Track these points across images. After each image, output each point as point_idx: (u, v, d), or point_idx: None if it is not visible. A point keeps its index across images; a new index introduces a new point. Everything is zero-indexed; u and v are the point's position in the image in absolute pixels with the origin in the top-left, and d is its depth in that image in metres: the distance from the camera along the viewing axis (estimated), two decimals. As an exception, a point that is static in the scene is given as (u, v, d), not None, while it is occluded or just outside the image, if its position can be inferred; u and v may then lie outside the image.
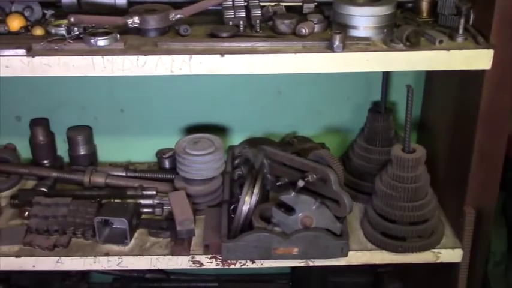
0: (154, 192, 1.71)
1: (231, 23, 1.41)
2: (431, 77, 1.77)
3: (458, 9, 1.38)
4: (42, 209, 1.60)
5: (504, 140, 1.44)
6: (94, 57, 1.29)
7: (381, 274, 2.03)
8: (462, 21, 1.34)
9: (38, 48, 1.32)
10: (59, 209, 1.60)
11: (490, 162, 1.46)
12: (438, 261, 1.54)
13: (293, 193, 1.46)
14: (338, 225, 1.47)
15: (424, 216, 1.50)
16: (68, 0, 1.44)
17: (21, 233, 1.57)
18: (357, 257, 1.52)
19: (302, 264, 1.51)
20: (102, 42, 1.32)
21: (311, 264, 1.51)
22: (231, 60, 1.31)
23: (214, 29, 1.38)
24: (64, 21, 1.37)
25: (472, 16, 1.38)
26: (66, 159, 1.89)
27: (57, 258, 1.52)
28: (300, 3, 1.49)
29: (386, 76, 1.70)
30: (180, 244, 1.52)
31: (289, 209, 1.48)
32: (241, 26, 1.40)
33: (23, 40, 1.35)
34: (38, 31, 1.39)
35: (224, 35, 1.37)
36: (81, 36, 1.34)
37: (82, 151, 1.84)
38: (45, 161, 1.85)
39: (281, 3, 1.47)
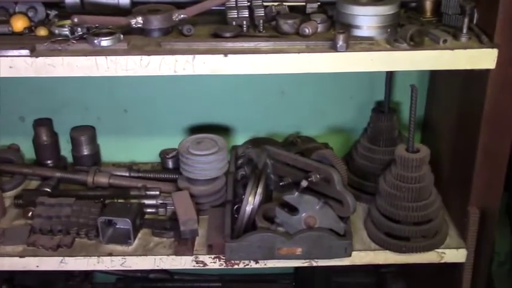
0: (158, 193, 1.71)
1: (234, 23, 1.41)
2: (435, 77, 1.77)
3: (462, 8, 1.38)
4: (46, 209, 1.60)
5: (508, 140, 1.44)
6: (97, 57, 1.29)
7: (384, 274, 2.03)
8: (466, 20, 1.33)
9: (41, 48, 1.32)
10: (62, 209, 1.60)
11: (494, 162, 1.46)
12: (442, 261, 1.54)
13: (296, 193, 1.46)
14: (342, 225, 1.47)
15: (428, 216, 1.50)
16: (71, 0, 1.44)
17: (25, 233, 1.57)
18: (360, 257, 1.52)
19: (306, 265, 1.51)
20: (105, 42, 1.32)
21: (315, 264, 1.51)
22: (234, 60, 1.31)
23: (218, 29, 1.38)
24: (67, 22, 1.37)
25: (476, 15, 1.38)
26: (70, 159, 1.90)
27: (61, 258, 1.52)
28: (303, 3, 1.49)
29: (390, 76, 1.69)
30: (183, 244, 1.52)
31: (292, 209, 1.48)
32: (245, 26, 1.40)
33: (26, 40, 1.35)
34: (42, 31, 1.39)
35: (227, 35, 1.37)
36: (84, 36, 1.34)
37: (85, 151, 1.84)
38: (49, 161, 1.85)
39: (284, 3, 1.47)
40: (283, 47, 1.34)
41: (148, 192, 1.70)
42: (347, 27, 1.36)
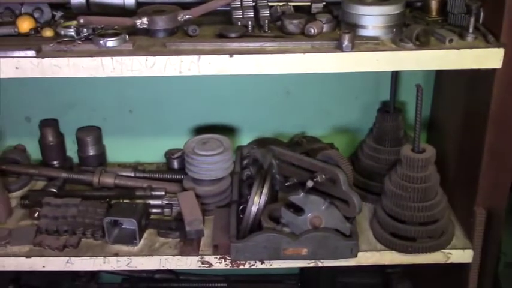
0: (163, 193, 1.71)
1: (239, 23, 1.41)
2: (441, 77, 1.76)
3: (468, 7, 1.37)
4: (52, 210, 1.60)
5: (515, 140, 1.43)
6: (103, 58, 1.29)
7: (390, 275, 2.02)
8: (472, 20, 1.33)
9: (47, 49, 1.33)
10: (68, 210, 1.60)
11: (501, 162, 1.45)
12: (448, 261, 1.53)
13: (302, 193, 1.46)
14: (347, 226, 1.47)
15: (434, 216, 1.49)
16: (77, 1, 1.45)
17: (31, 234, 1.57)
18: (366, 258, 1.52)
19: (311, 265, 1.51)
20: (111, 43, 1.33)
21: (320, 264, 1.51)
22: (239, 60, 1.31)
23: (223, 30, 1.38)
24: (73, 23, 1.37)
25: (482, 15, 1.37)
26: (76, 160, 1.90)
27: (67, 258, 1.53)
28: (309, 3, 1.49)
29: (396, 76, 1.69)
30: (189, 244, 1.52)
31: (298, 210, 1.48)
32: (250, 26, 1.40)
33: (32, 41, 1.35)
34: (48, 32, 1.39)
35: (233, 35, 1.37)
36: (90, 37, 1.35)
37: (91, 152, 1.85)
38: (55, 162, 1.86)
39: (289, 3, 1.47)
40: (288, 47, 1.34)
41: (153, 193, 1.71)
42: (352, 27, 1.36)
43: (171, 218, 1.65)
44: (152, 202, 1.67)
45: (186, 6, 1.41)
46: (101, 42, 1.32)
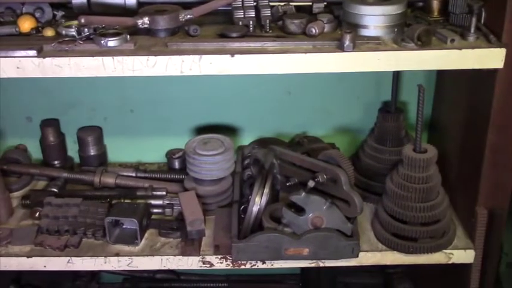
0: (164, 193, 1.71)
1: (240, 23, 1.41)
2: (443, 77, 1.76)
3: (469, 7, 1.37)
4: (53, 210, 1.61)
5: (517, 140, 1.43)
6: (104, 58, 1.29)
7: (391, 275, 2.02)
8: (474, 20, 1.33)
9: (48, 49, 1.33)
10: (69, 210, 1.60)
11: (502, 162, 1.45)
12: (450, 262, 1.53)
13: (303, 193, 1.46)
14: (349, 226, 1.47)
15: (436, 216, 1.49)
16: (78, 1, 1.45)
17: (32, 234, 1.58)
18: (367, 258, 1.52)
19: (312, 265, 1.51)
20: (112, 43, 1.33)
21: (321, 264, 1.51)
22: (240, 60, 1.31)
23: (224, 29, 1.38)
24: (74, 22, 1.37)
25: (483, 15, 1.37)
26: (77, 159, 1.90)
27: (68, 258, 1.53)
28: (310, 3, 1.48)
29: (397, 75, 1.69)
30: (190, 244, 1.52)
31: (299, 210, 1.48)
32: (251, 26, 1.39)
33: (33, 41, 1.35)
34: (49, 32, 1.39)
35: (234, 35, 1.36)
36: (91, 37, 1.35)
37: (92, 152, 1.85)
38: (56, 162, 1.86)
39: (291, 3, 1.47)
40: (289, 47, 1.33)
41: (155, 193, 1.71)
42: (354, 27, 1.36)
43: (172, 218, 1.65)
44: (153, 202, 1.67)
45: (187, 6, 1.41)
46: (102, 42, 1.32)
